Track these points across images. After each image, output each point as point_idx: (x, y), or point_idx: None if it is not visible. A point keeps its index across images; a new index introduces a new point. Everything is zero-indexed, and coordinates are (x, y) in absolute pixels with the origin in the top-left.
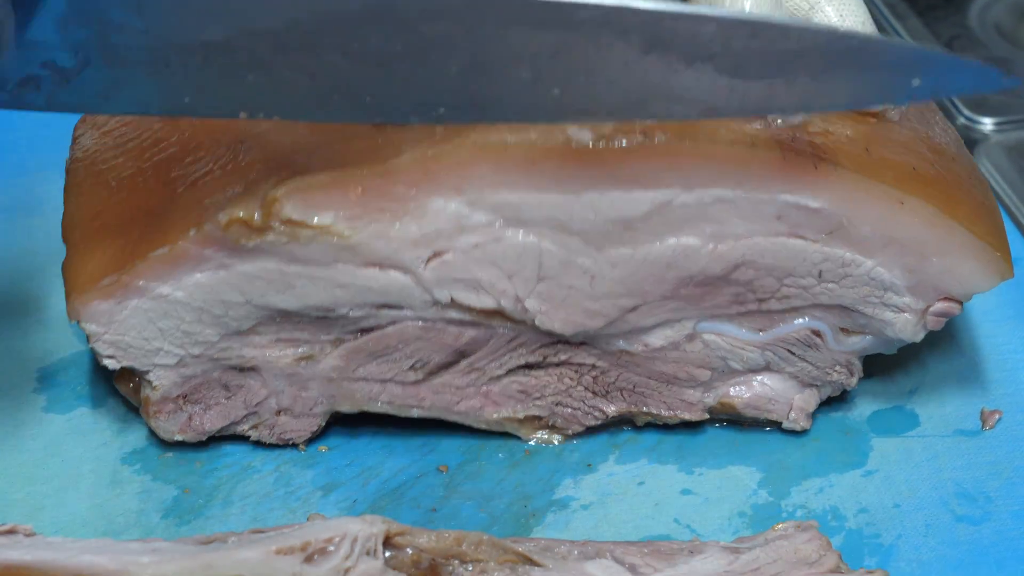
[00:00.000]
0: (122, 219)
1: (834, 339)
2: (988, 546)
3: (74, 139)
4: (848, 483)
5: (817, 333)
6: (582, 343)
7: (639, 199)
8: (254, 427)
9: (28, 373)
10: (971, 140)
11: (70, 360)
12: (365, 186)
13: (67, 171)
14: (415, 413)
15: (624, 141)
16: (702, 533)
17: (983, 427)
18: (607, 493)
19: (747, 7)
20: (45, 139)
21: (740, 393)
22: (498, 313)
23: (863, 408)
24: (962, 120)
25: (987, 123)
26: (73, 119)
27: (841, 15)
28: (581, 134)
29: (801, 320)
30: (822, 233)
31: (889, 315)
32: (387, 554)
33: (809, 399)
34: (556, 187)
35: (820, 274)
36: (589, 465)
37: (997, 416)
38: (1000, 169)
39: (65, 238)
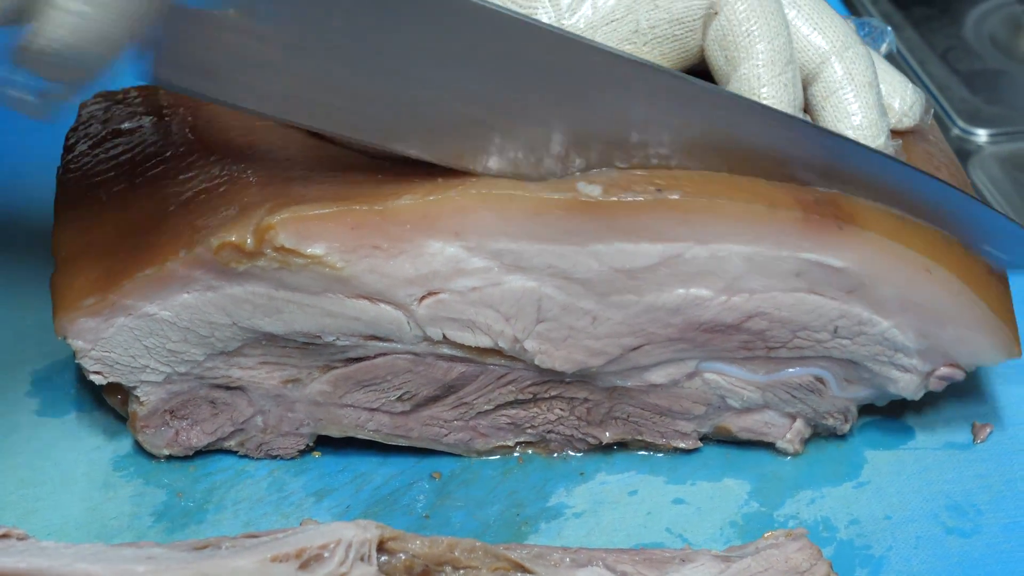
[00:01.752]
0: (111, 235)
1: (838, 387)
2: (978, 559)
3: (66, 148)
4: (840, 495)
5: (821, 380)
6: (575, 380)
7: (647, 252)
8: (240, 443)
9: (22, 377)
10: (965, 151)
11: (63, 364)
12: (361, 222)
13: (58, 182)
14: (403, 442)
15: (634, 196)
16: (694, 542)
17: (974, 441)
18: (599, 501)
19: (763, 92)
20: (40, 142)
21: (736, 420)
22: (493, 351)
23: (856, 419)
24: (956, 131)
25: (981, 134)
26: (67, 125)
27: (850, 73)
28: (590, 188)
29: (807, 368)
30: (842, 291)
31: (895, 373)
32: (381, 559)
33: (805, 427)
34: (560, 238)
35: (836, 330)
36: (582, 474)
37: (988, 430)
38: (994, 181)
39: (54, 252)
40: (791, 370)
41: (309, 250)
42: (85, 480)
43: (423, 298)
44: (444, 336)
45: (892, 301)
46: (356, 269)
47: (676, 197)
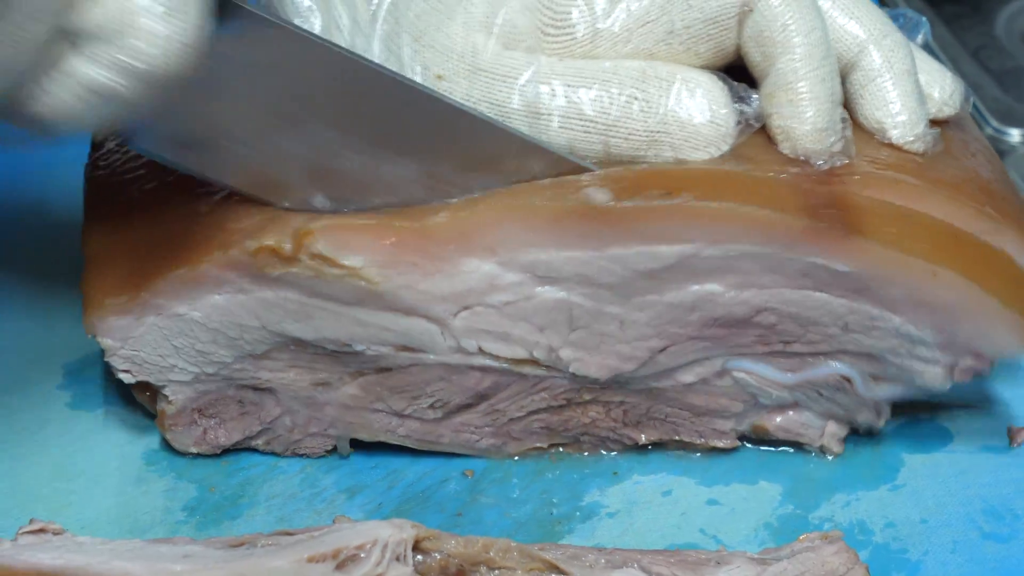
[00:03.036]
0: (142, 234)
1: (864, 386)
2: (1015, 564)
3: (93, 144)
4: (875, 497)
5: (847, 379)
6: (610, 385)
7: (664, 253)
8: (268, 442)
9: (54, 369)
10: (999, 151)
11: (95, 357)
12: (400, 239)
13: (87, 178)
14: (434, 447)
15: (644, 202)
16: (728, 543)
17: (1011, 444)
18: (633, 502)
19: (800, 87)
20: (70, 137)
21: (773, 418)
22: (530, 360)
23: (892, 422)
24: (990, 131)
25: (1015, 134)
26: None
27: (888, 61)
28: (599, 193)
29: (831, 365)
30: (849, 291)
31: (919, 366)
32: (416, 559)
33: (839, 428)
34: (581, 244)
35: (846, 325)
36: (615, 473)
37: None
38: None
39: (84, 249)
40: (817, 370)
41: (346, 261)
42: (118, 474)
43: (458, 312)
44: (479, 348)
45: (901, 300)
46: (392, 285)
47: (685, 202)
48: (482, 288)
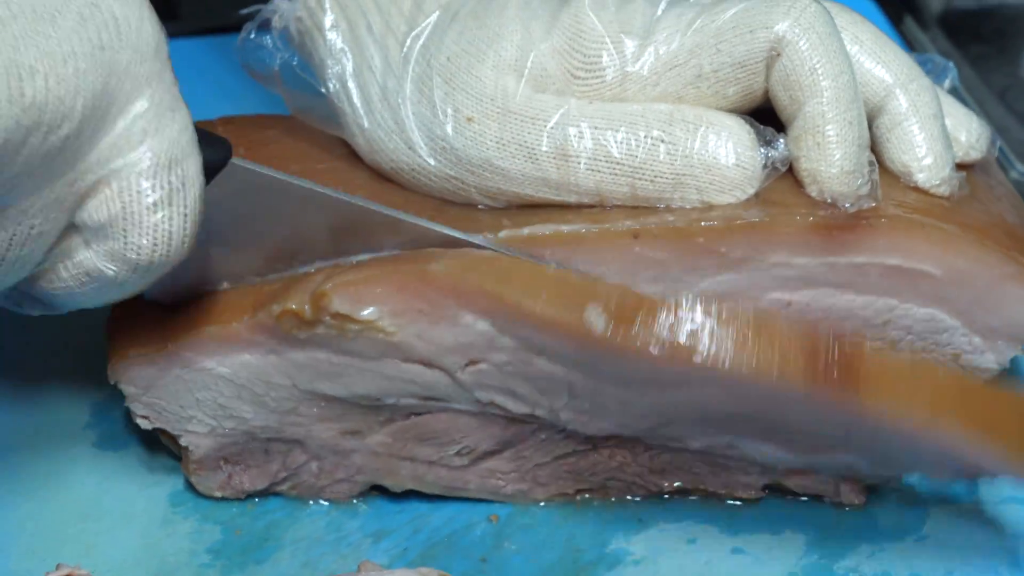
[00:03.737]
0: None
1: (870, 469)
2: None
3: None
4: (900, 549)
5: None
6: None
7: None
8: (293, 487)
9: (80, 408)
10: None
11: (122, 395)
12: (404, 284)
13: None
14: (461, 495)
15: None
16: None
17: None
18: (658, 549)
19: (827, 130)
20: None
21: (790, 478)
22: (534, 416)
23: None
24: (1016, 174)
25: None
26: None
27: (915, 105)
28: (597, 320)
29: (836, 456)
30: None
31: None
32: None
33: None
34: (576, 352)
35: (848, 435)
36: (640, 520)
37: None
38: None
39: None
40: (823, 455)
41: (363, 314)
42: (144, 515)
43: (466, 366)
44: (492, 401)
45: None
46: (406, 334)
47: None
48: (482, 345)
